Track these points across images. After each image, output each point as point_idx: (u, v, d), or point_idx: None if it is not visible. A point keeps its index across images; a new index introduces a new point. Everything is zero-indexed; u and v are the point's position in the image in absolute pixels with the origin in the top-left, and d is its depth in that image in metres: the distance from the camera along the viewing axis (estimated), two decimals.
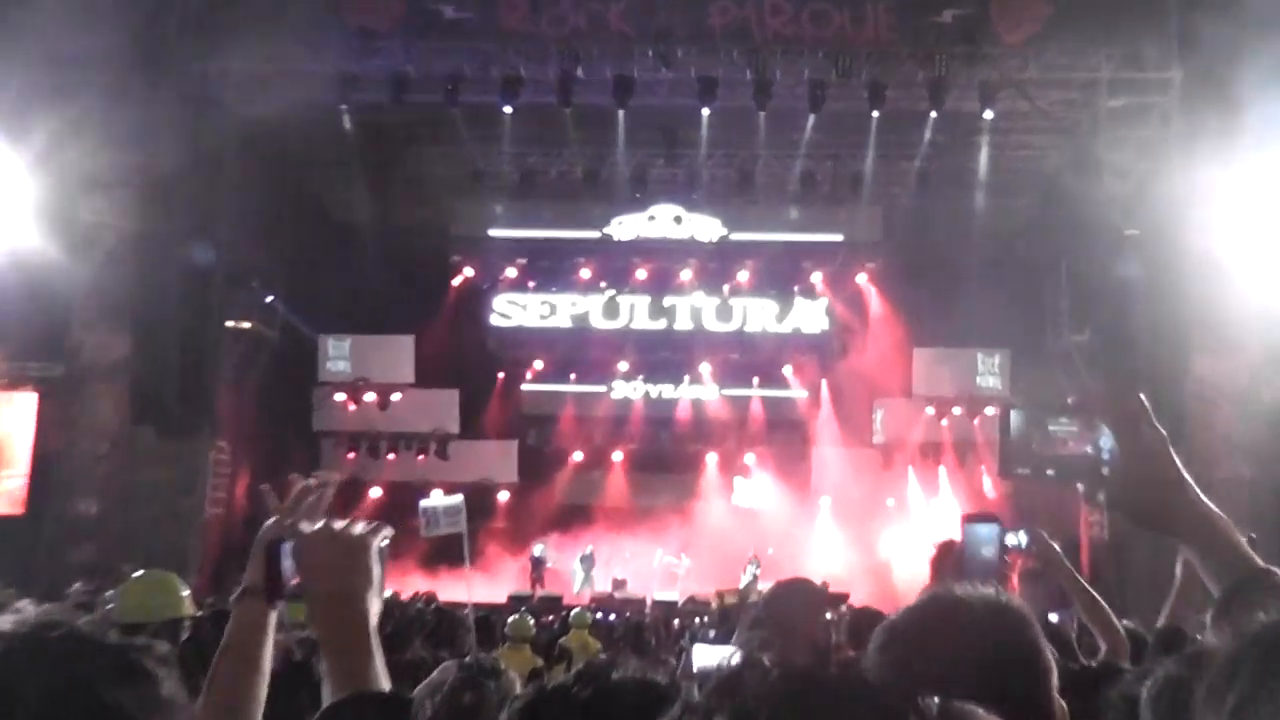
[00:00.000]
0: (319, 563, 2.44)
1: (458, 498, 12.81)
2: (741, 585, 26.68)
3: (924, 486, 29.99)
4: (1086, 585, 5.12)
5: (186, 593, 5.95)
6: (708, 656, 4.19)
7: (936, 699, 1.32)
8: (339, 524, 2.53)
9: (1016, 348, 29.25)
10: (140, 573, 6.19)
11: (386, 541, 2.54)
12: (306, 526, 2.54)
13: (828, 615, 5.10)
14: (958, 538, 4.72)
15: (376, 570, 2.46)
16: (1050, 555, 4.94)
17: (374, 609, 2.42)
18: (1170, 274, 22.23)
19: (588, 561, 29.61)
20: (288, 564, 2.53)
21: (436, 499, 12.69)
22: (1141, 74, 23.64)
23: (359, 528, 2.51)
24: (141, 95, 22.73)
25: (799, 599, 4.79)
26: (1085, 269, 25.10)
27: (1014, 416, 3.82)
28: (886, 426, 30.72)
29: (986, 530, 4.51)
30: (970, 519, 4.79)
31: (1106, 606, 5.00)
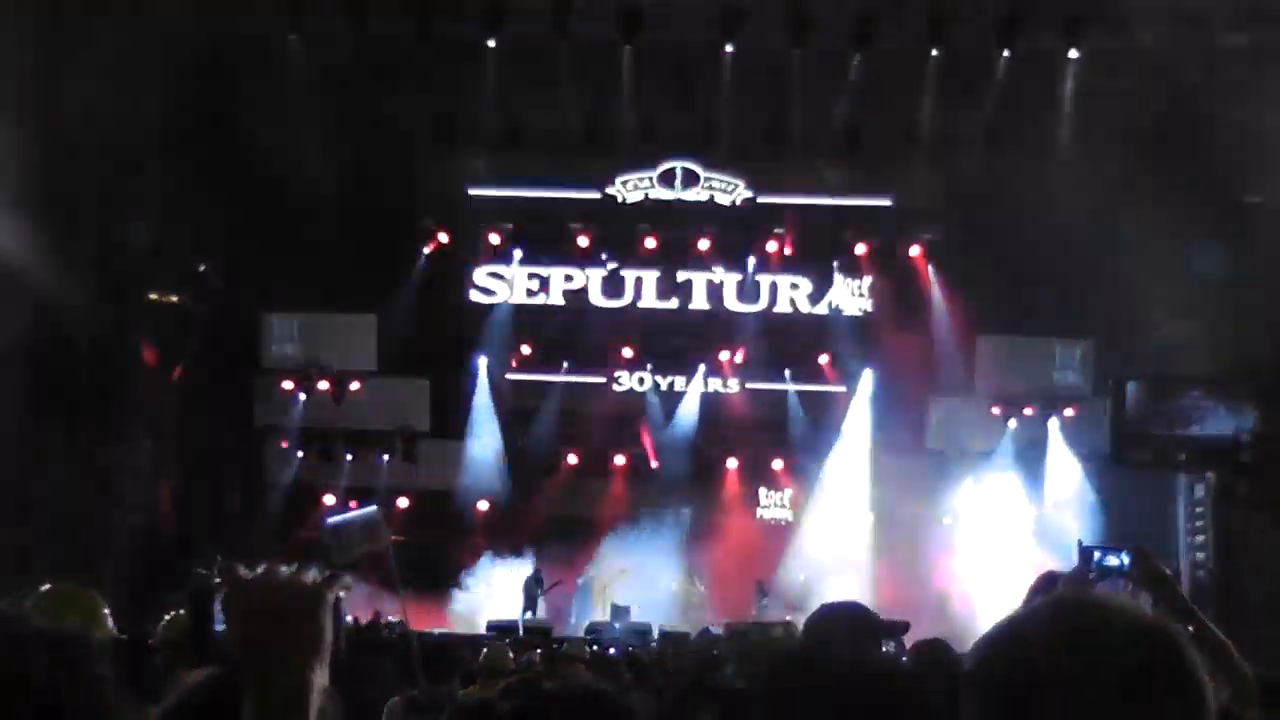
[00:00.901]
0: (253, 618, 2.18)
1: (371, 509, 10.95)
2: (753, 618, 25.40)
3: (987, 500, 28.46)
4: (1204, 617, 4.48)
5: (106, 611, 5.68)
6: None
7: None
8: (284, 569, 2.24)
9: (1104, 338, 27.71)
10: (48, 586, 5.97)
11: (345, 593, 2.30)
12: (243, 571, 2.23)
13: (883, 648, 4.97)
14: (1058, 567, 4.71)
15: (328, 631, 2.21)
16: (1159, 579, 4.59)
17: (318, 680, 2.18)
18: None
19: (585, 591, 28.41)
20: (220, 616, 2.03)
21: (346, 513, 11.03)
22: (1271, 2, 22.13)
23: (311, 574, 2.23)
24: (38, 13, 21.48)
25: (846, 628, 4.65)
26: (1191, 245, 23.13)
27: (1130, 390, 2.45)
28: (943, 429, 29.09)
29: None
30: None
31: (1229, 643, 4.41)
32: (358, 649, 12.56)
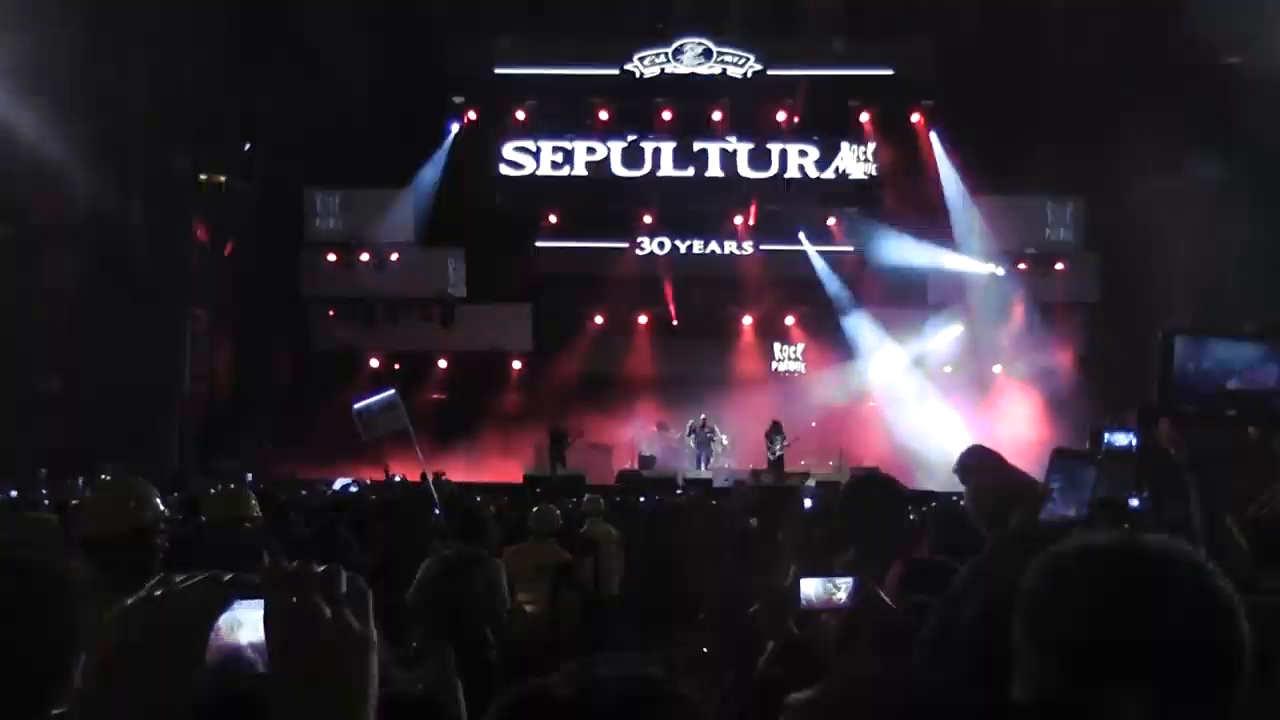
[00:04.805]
0: (302, 655, 1.51)
1: (390, 392, 12.91)
2: (771, 458, 27.20)
3: (982, 352, 29.06)
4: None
5: (156, 498, 5.20)
6: (814, 589, 3.99)
7: None
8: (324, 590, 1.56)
9: (1093, 196, 28.48)
10: (105, 478, 6.21)
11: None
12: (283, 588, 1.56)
13: (911, 517, 5.33)
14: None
15: (374, 672, 1.56)
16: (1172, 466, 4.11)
17: None
18: (1277, 108, 20.55)
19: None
20: (249, 635, 1.56)
21: (370, 398, 12.65)
22: None
23: (347, 598, 1.56)
24: None
25: (880, 501, 4.83)
26: (1176, 105, 23.63)
27: (1178, 344, 2.91)
28: (943, 285, 29.81)
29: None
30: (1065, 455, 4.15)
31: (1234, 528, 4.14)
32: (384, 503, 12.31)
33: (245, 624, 1.54)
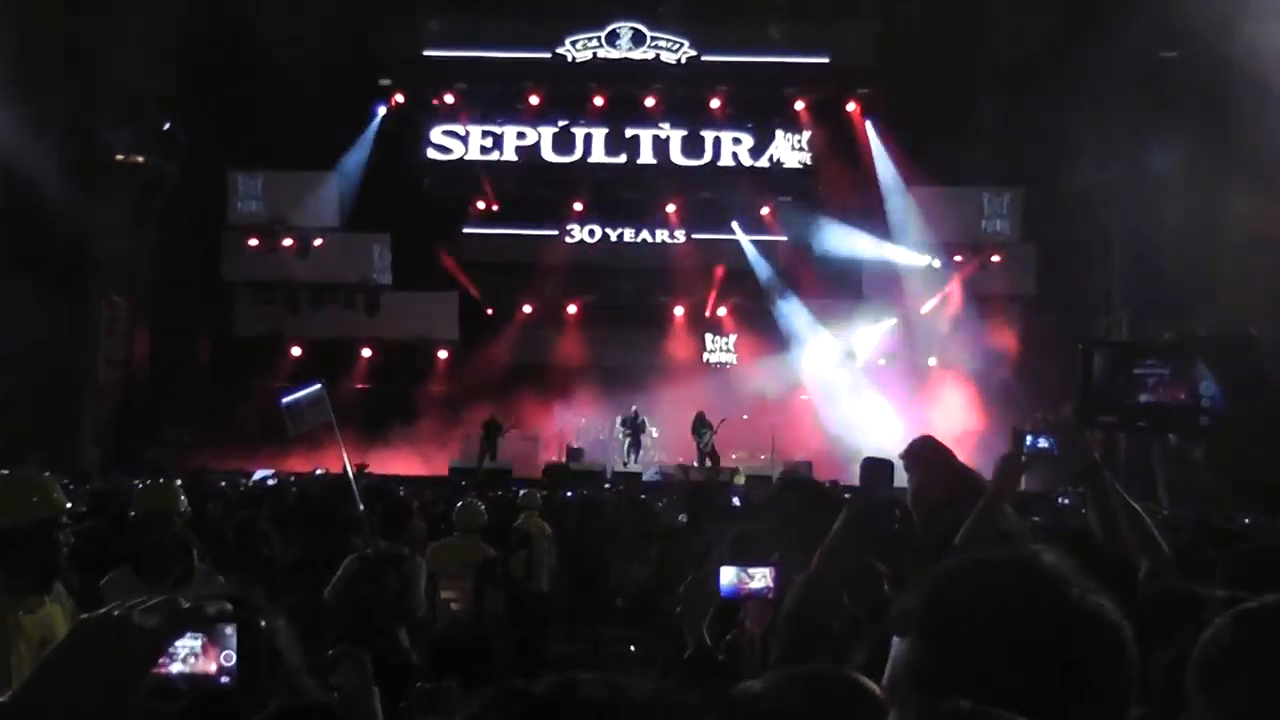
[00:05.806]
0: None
1: (316, 386, 12.73)
2: (703, 449, 27.06)
3: (917, 343, 29.18)
4: (1130, 500, 4.25)
5: (58, 493, 5.06)
6: (732, 577, 4.00)
7: None
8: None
9: (1030, 186, 28.50)
10: (3, 472, 5.37)
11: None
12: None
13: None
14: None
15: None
16: (1090, 469, 4.23)
17: None
18: (1213, 101, 20.86)
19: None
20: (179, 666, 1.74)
21: (297, 392, 12.60)
22: None
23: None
24: None
25: (808, 507, 4.78)
26: (1112, 96, 23.76)
27: (1097, 358, 2.88)
28: (878, 275, 29.56)
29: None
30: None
31: (1149, 522, 4.20)
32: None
33: (180, 653, 1.70)
